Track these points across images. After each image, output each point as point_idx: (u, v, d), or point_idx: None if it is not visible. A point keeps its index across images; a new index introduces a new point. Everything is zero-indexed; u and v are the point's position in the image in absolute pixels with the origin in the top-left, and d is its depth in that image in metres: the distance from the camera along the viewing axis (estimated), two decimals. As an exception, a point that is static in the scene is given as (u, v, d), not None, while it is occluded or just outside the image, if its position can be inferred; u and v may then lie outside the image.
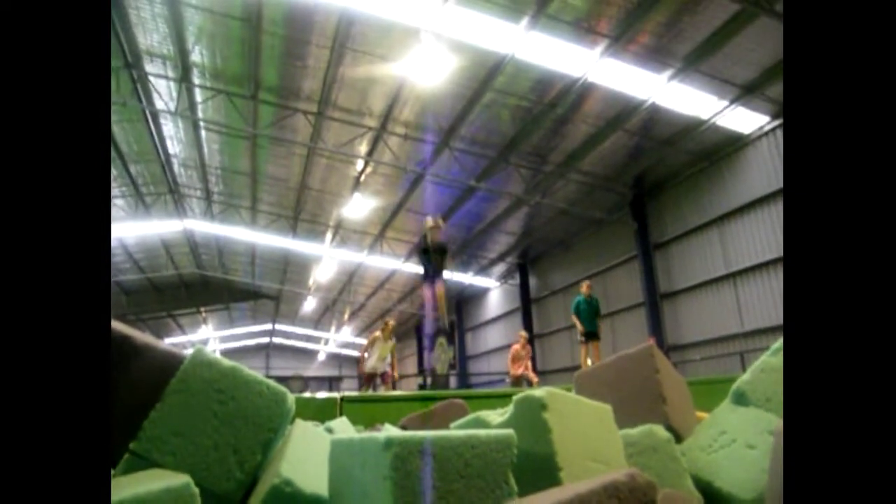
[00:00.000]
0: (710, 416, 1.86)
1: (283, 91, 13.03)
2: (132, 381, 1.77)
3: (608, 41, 10.73)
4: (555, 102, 12.59)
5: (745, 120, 13.20)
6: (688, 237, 15.77)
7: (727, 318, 14.48)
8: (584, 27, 10.46)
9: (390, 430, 1.55)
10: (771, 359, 1.85)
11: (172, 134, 15.75)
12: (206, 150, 16.35)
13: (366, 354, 11.22)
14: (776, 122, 13.05)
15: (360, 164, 15.96)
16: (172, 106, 13.37)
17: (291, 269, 25.82)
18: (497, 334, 26.48)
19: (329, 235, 21.38)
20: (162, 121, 14.95)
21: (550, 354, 21.88)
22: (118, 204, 18.44)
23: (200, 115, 14.22)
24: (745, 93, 12.28)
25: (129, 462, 1.65)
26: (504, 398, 7.09)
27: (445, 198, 17.67)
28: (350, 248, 22.19)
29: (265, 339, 43.16)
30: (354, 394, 7.91)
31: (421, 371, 31.68)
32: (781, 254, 13.01)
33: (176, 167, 17.75)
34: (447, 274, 24.61)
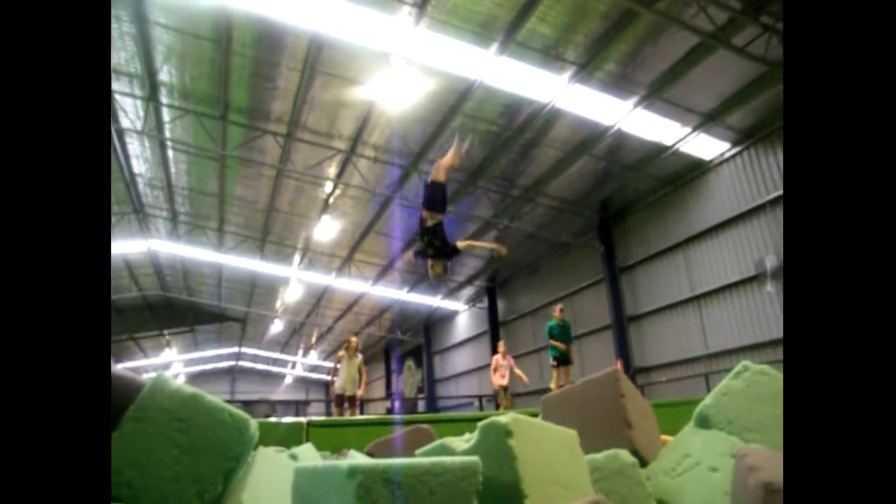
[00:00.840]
0: (673, 440, 1.88)
1: (252, 112, 12.97)
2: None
3: (575, 68, 10.92)
4: (523, 127, 12.74)
5: (707, 147, 13.52)
6: (653, 260, 16.00)
7: (692, 341, 14.66)
8: (552, 54, 10.64)
9: (356, 457, 1.51)
10: (732, 382, 1.87)
11: (138, 153, 15.51)
12: (172, 169, 16.14)
13: (335, 379, 11.12)
14: (736, 149, 13.38)
15: (328, 186, 15.91)
16: (139, 125, 13.20)
17: (258, 292, 25.51)
18: (465, 357, 26.43)
19: (297, 258, 21.20)
20: (128, 139, 14.73)
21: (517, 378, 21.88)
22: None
23: (168, 134, 14.04)
24: (707, 121, 12.60)
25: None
26: (472, 422, 7.04)
27: (414, 221, 17.56)
28: (318, 271, 22.02)
29: (231, 363, 42.38)
30: (321, 418, 7.80)
31: (389, 395, 31.41)
32: (743, 276, 13.26)
33: (141, 186, 17.47)
34: (422, 297, 24.54)
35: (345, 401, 11.10)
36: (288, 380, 44.48)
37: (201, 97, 12.76)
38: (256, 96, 12.42)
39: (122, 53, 11.66)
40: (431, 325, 29.61)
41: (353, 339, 11.64)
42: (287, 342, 35.30)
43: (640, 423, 1.91)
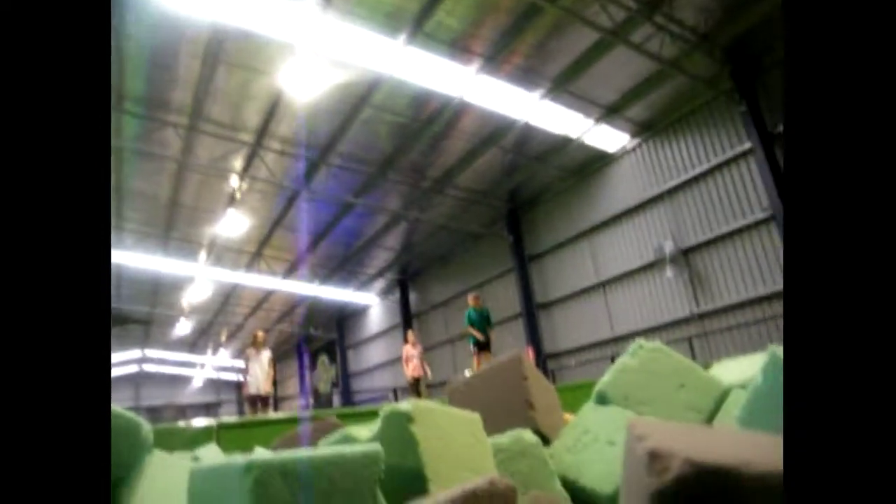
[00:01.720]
0: (574, 418, 1.94)
1: (150, 102, 12.35)
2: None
3: (482, 60, 11.04)
4: (432, 119, 12.77)
5: (609, 139, 14.02)
6: (560, 249, 16.44)
7: (599, 325, 15.20)
8: (459, 46, 10.71)
9: (261, 455, 1.45)
10: (628, 360, 1.95)
11: (24, 148, 14.51)
12: (63, 165, 15.18)
13: (248, 377, 10.83)
14: (635, 141, 13.97)
15: (234, 179, 15.42)
16: (24, 117, 12.33)
17: (162, 291, 24.43)
18: (380, 350, 26.34)
19: (203, 254, 20.45)
20: (12, 133, 13.74)
21: (432, 368, 22.03)
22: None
23: (56, 127, 13.20)
24: (609, 113, 13.08)
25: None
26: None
27: (323, 214, 17.42)
28: (226, 268, 21.34)
29: (135, 368, 40.42)
30: (232, 419, 7.58)
31: (303, 391, 30.91)
32: (645, 262, 13.87)
33: (29, 183, 16.36)
34: (327, 291, 24.25)
35: (258, 401, 10.85)
36: (197, 382, 42.88)
37: (93, 87, 12.03)
38: (154, 85, 11.83)
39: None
40: (344, 320, 29.33)
41: (260, 333, 11.38)
42: (195, 343, 34.05)
43: (543, 404, 1.97)
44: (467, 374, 11.67)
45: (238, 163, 14.43)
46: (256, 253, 20.25)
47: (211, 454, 1.70)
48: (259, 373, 10.71)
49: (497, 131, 13.36)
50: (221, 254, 20.21)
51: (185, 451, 5.77)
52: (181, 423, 7.50)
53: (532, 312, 16.97)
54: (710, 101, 12.41)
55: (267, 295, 25.12)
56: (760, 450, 0.94)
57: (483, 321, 11.74)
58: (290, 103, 12.18)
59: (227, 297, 25.42)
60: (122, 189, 15.49)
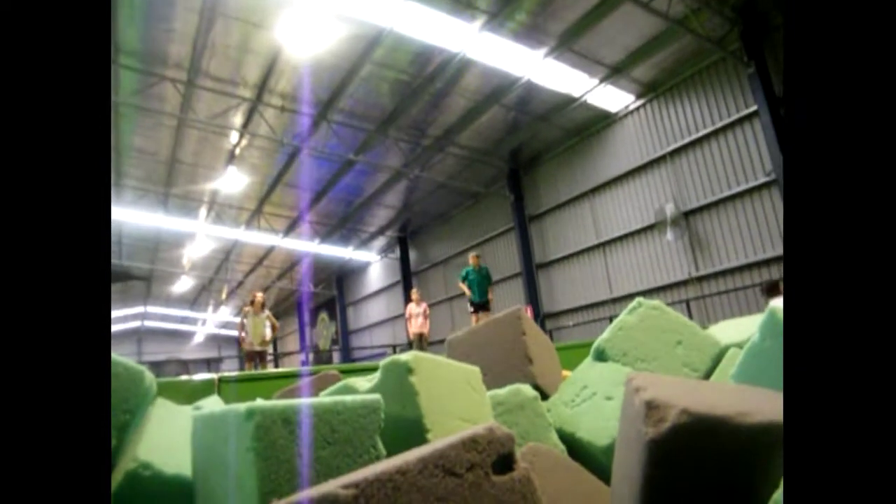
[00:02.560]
0: (573, 374, 1.97)
1: (147, 56, 12.17)
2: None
3: (486, 16, 10.84)
4: (433, 76, 12.60)
5: (613, 99, 13.86)
6: (561, 209, 16.41)
7: (597, 286, 15.27)
8: (463, 2, 10.51)
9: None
10: (627, 317, 1.97)
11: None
12: (61, 119, 15.04)
13: (244, 334, 10.94)
14: (640, 102, 13.81)
15: (234, 136, 15.31)
16: (20, 70, 12.16)
17: (163, 248, 24.46)
18: (379, 308, 26.51)
19: (203, 211, 20.41)
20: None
21: (431, 325, 22.21)
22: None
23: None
24: (613, 73, 12.89)
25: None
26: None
27: (324, 171, 17.33)
28: (226, 225, 21.33)
29: (136, 324, 40.72)
30: (233, 374, 7.66)
31: (303, 348, 31.20)
32: (645, 224, 13.86)
33: (27, 137, 16.24)
34: (329, 249, 24.29)
35: (256, 357, 10.98)
36: (198, 338, 43.28)
37: (90, 39, 11.84)
38: (150, 39, 11.64)
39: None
40: (344, 277, 29.44)
41: (259, 294, 11.43)
42: (196, 299, 34.24)
43: (542, 359, 1.99)
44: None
45: (238, 119, 14.29)
46: (256, 210, 20.21)
47: (213, 404, 1.70)
48: (255, 332, 10.81)
49: (500, 89, 13.20)
50: (221, 211, 20.18)
51: (187, 404, 5.86)
52: (183, 377, 7.59)
53: (531, 272, 17.04)
54: (717, 61, 12.23)
55: (267, 252, 25.17)
56: (756, 402, 0.95)
57: (483, 281, 11.73)
58: (290, 59, 12.01)
59: (227, 254, 25.48)
60: (121, 145, 15.39)
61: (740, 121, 11.86)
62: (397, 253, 24.22)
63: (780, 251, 11.15)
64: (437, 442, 1.03)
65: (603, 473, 1.28)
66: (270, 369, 10.65)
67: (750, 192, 11.75)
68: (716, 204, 12.35)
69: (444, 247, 21.65)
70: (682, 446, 0.84)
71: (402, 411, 1.32)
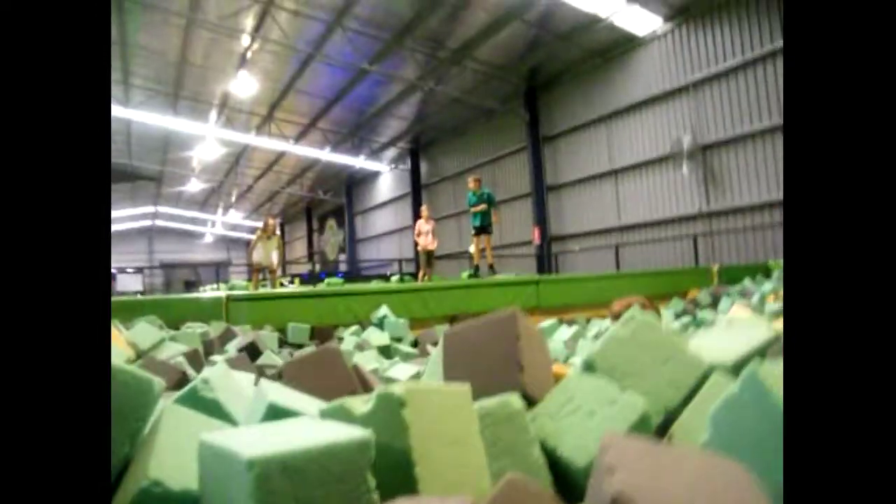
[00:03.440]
0: (561, 384, 1.99)
1: (156, -48, 11.68)
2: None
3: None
4: (454, -13, 12.09)
5: (640, 21, 13.28)
6: (576, 132, 16.12)
7: (606, 213, 15.21)
8: None
9: (265, 390, 1.53)
10: (620, 329, 1.96)
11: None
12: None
13: (254, 252, 11.08)
14: (667, 26, 13.25)
15: (245, 39, 14.85)
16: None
17: (173, 149, 24.27)
18: (387, 219, 26.60)
19: (214, 115, 20.12)
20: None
21: (439, 240, 22.36)
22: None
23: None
24: (642, -8, 12.32)
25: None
26: (387, 294, 7.15)
27: (337, 80, 16.94)
28: (236, 129, 21.07)
29: (147, 223, 41.01)
30: (241, 293, 7.78)
31: (311, 256, 31.54)
32: (660, 154, 13.63)
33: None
34: (345, 158, 24.12)
35: (262, 271, 11.18)
36: (208, 238, 43.70)
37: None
38: (161, -66, 11.13)
39: None
40: (354, 186, 29.37)
41: (271, 220, 11.43)
42: (206, 201, 34.33)
43: (533, 364, 2.01)
44: (471, 250, 11.80)
45: (249, 21, 13.83)
46: (268, 116, 19.92)
47: (219, 380, 1.72)
48: (264, 253, 10.92)
49: (522, 4, 12.66)
50: (232, 115, 19.89)
51: (198, 322, 5.95)
52: (193, 296, 7.72)
53: (542, 193, 16.94)
54: (751, -13, 11.64)
55: (278, 157, 25.00)
56: (731, 496, 0.95)
57: (482, 204, 11.50)
58: (306, -39, 11.48)
59: (237, 158, 25.33)
60: (128, 43, 14.97)
61: (768, 56, 11.39)
62: (408, 164, 24.05)
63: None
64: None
65: (582, 494, 1.33)
66: (275, 289, 10.76)
67: (769, 131, 11.45)
68: (734, 140, 12.07)
69: (455, 161, 21.46)
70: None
71: (392, 442, 1.37)
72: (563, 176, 16.58)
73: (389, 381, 4.04)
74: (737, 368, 1.73)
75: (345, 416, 1.58)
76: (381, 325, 6.39)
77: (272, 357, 4.44)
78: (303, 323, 6.11)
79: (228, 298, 6.39)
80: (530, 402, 1.94)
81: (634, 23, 13.33)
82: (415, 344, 6.05)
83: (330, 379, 2.40)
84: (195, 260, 38.94)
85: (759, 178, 11.69)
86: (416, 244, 12.36)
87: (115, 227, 38.40)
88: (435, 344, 6.10)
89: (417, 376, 4.00)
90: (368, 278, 18.72)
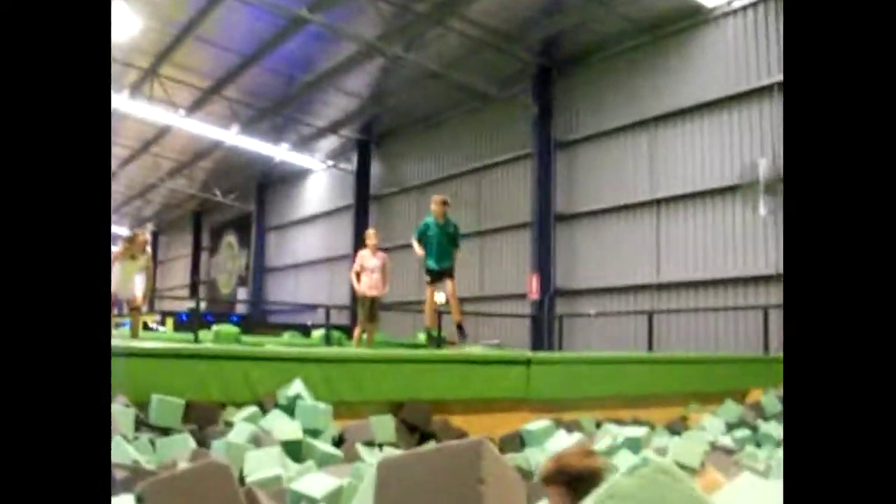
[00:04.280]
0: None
1: None
2: None
3: None
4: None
5: (711, -14, 13.67)
6: (605, 139, 16.29)
7: (639, 262, 15.33)
8: None
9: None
10: (624, 480, 1.95)
11: None
12: None
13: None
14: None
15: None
16: None
17: None
18: (315, 241, 26.48)
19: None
20: None
21: (395, 280, 22.17)
22: None
23: None
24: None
25: None
26: (301, 363, 7.09)
27: (259, 28, 16.98)
28: (100, 84, 20.96)
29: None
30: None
31: (195, 286, 31.22)
32: (723, 183, 13.83)
33: None
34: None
35: (118, 304, 11.07)
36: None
37: None
38: None
39: None
40: (269, 187, 29.29)
41: (140, 234, 11.34)
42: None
43: None
44: (439, 300, 11.74)
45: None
46: (151, 70, 19.89)
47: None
48: (122, 276, 10.73)
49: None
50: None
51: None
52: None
53: (547, 224, 17.02)
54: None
55: (159, 133, 24.89)
56: None
57: (446, 240, 11.47)
58: None
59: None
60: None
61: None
62: (353, 163, 24.09)
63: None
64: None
65: None
66: (136, 337, 10.64)
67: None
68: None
69: (423, 164, 21.59)
70: None
71: None
72: (579, 201, 16.72)
73: (298, 499, 3.99)
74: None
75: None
76: (290, 408, 6.33)
77: (124, 448, 4.38)
78: (174, 396, 6.01)
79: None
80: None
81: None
82: (339, 441, 6.00)
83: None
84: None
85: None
86: (354, 286, 12.19)
87: None
88: (369, 444, 6.06)
89: (338, 494, 3.95)
90: (279, 329, 18.58)
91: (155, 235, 38.40)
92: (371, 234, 12.13)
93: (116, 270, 10.74)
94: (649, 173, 15.31)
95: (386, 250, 13.60)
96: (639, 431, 6.85)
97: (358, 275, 11.90)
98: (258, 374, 6.82)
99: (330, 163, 25.44)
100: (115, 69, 20.12)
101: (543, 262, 16.87)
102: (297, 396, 6.47)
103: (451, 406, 7.48)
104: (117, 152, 27.75)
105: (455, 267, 11.14)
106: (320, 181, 26.50)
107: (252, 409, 6.25)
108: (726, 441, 7.42)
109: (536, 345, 15.91)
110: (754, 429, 8.08)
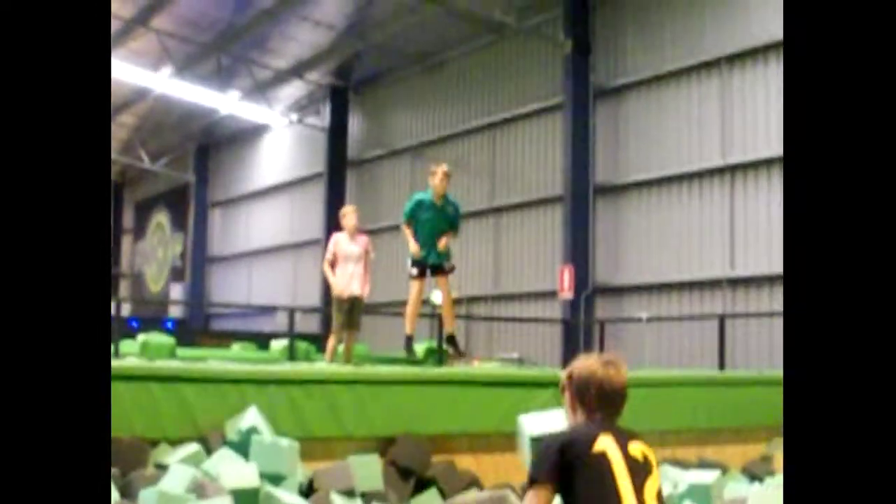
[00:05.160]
0: None
1: None
2: None
3: None
4: None
5: None
6: (662, 85, 16.25)
7: (707, 250, 15.30)
8: None
9: None
10: None
11: None
12: None
13: None
14: None
15: None
16: None
17: None
18: (274, 221, 26.43)
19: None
20: None
21: (381, 276, 22.03)
22: None
23: None
24: None
25: None
26: (259, 385, 7.10)
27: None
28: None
29: None
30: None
31: (112, 279, 31.18)
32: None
33: None
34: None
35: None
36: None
37: None
38: None
39: None
40: (212, 149, 29.27)
41: None
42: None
43: None
44: (435, 299, 11.69)
45: None
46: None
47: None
48: None
49: None
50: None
51: None
52: None
53: (584, 198, 16.95)
54: None
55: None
56: None
57: (442, 222, 11.26)
58: None
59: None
60: None
61: None
62: (326, 117, 24.05)
63: None
64: None
65: None
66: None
67: None
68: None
69: (419, 119, 21.60)
70: None
71: None
72: (627, 169, 16.69)
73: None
74: None
75: None
76: (244, 446, 6.33)
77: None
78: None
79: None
80: None
81: None
82: (308, 490, 6.02)
83: None
84: None
85: None
86: (328, 280, 12.13)
87: None
88: (348, 493, 6.06)
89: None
90: (226, 339, 18.61)
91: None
92: (349, 212, 11.96)
93: None
94: (720, 131, 15.28)
95: (369, 233, 13.53)
96: (707, 476, 6.86)
97: (332, 266, 11.76)
98: (200, 400, 6.83)
99: (294, 116, 25.37)
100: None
101: (578, 250, 16.83)
102: (253, 430, 6.47)
103: (456, 443, 7.49)
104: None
105: (450, 260, 10.98)
106: (281, 141, 26.48)
107: (192, 448, 6.26)
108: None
109: (569, 359, 15.84)
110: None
